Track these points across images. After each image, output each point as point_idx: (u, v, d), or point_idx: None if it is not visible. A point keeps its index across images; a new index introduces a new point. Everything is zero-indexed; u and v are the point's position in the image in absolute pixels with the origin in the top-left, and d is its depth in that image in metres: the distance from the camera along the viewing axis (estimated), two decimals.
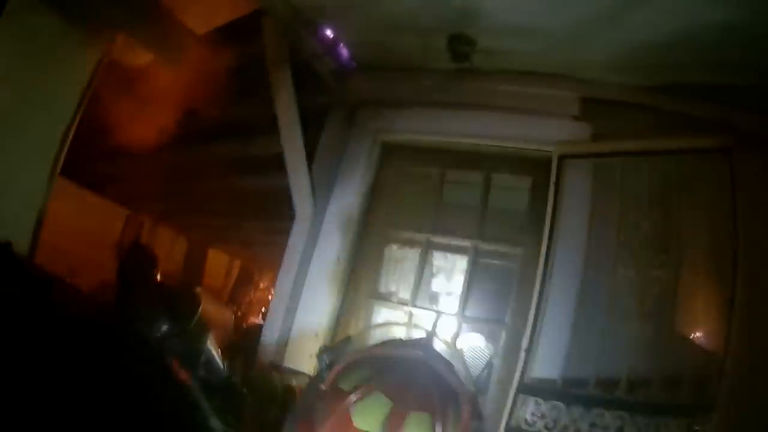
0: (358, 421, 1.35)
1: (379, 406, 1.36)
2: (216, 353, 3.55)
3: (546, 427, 3.17)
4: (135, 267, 4.45)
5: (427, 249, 3.94)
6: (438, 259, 4.22)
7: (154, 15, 3.62)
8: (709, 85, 3.44)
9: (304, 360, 3.71)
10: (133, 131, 4.72)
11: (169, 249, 12.69)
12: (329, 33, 3.79)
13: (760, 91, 3.33)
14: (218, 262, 12.12)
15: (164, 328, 2.99)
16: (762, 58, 3.08)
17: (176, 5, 3.62)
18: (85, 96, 3.45)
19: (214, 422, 2.51)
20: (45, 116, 3.34)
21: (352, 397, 1.37)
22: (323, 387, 1.47)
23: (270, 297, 11.18)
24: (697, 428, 3.02)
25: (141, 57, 4.00)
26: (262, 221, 8.29)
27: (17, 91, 3.11)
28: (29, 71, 3.18)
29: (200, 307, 3.30)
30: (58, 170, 3.50)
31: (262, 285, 12.93)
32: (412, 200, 4.11)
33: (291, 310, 3.91)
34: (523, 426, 3.22)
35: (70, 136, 3.48)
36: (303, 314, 3.91)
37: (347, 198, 4.05)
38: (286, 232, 4.13)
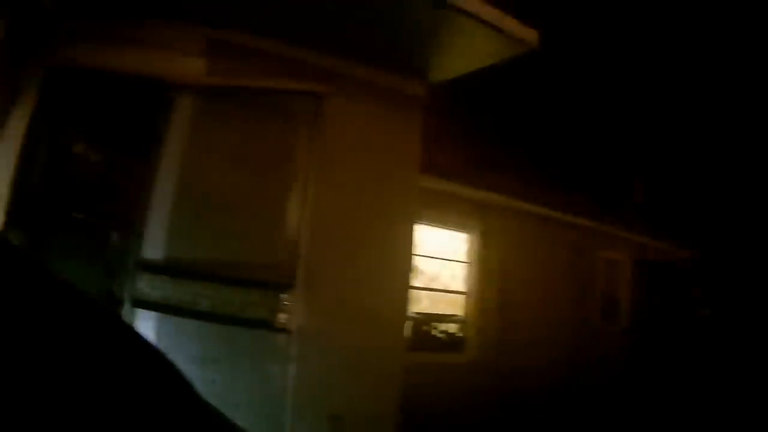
0: None
1: None
2: None
3: (161, 298, 3.95)
4: None
5: None
6: None
7: None
8: (319, 35, 4.37)
9: None
10: None
11: None
12: None
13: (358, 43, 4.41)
14: None
15: None
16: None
17: None
18: None
19: None
20: None
21: None
22: None
23: None
24: (281, 297, 4.06)
25: None
26: None
27: None
28: None
29: None
30: None
31: None
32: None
33: None
34: (144, 297, 3.96)
35: None
36: None
37: None
38: None
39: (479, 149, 8.70)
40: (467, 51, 4.57)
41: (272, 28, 4.43)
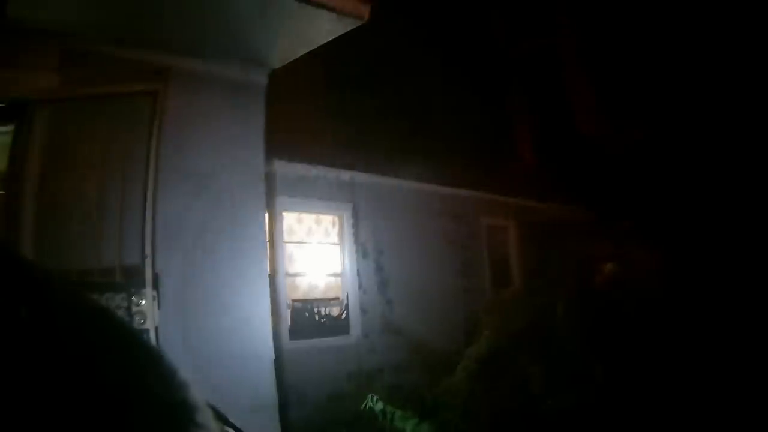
0: None
1: None
2: None
3: None
4: None
5: None
6: None
7: None
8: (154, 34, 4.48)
9: None
10: None
11: None
12: None
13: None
14: None
15: None
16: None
17: None
18: None
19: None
20: None
21: None
22: None
23: None
24: (135, 299, 4.19)
25: None
26: None
27: None
28: None
29: None
30: None
31: None
32: None
33: None
34: None
35: None
36: None
37: None
38: None
39: (342, 129, 8.73)
40: (300, 33, 4.67)
41: (115, 32, 4.46)
